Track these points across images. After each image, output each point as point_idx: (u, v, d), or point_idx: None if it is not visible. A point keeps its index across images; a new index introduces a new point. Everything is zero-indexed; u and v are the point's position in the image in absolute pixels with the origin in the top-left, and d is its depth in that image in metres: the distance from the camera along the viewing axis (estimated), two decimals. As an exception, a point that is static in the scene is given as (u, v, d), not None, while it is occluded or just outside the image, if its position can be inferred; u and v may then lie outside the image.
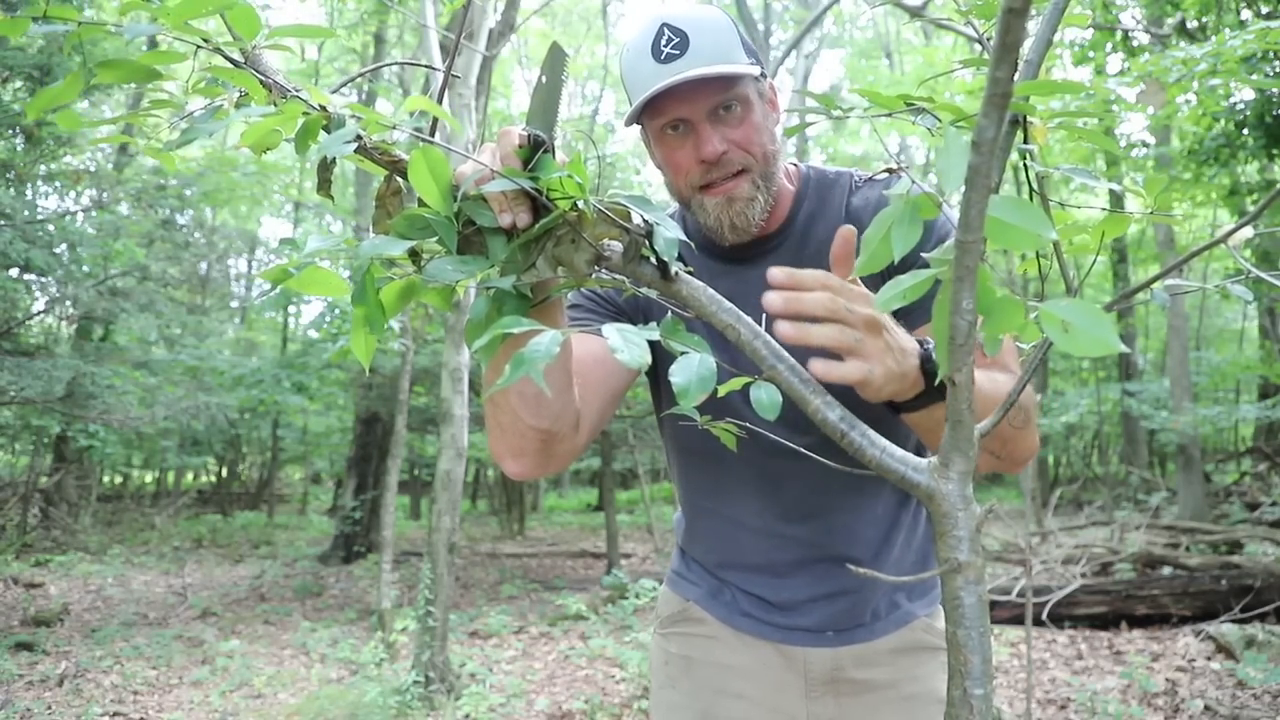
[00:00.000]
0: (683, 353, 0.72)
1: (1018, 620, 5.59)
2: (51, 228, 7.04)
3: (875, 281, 0.89)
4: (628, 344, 0.67)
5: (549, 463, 1.11)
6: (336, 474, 15.35)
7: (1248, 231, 0.80)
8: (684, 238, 0.81)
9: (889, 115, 0.72)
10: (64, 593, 8.02)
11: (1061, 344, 0.56)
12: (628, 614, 6.25)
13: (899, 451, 0.75)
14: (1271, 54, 5.02)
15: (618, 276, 0.82)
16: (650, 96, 1.10)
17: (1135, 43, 6.61)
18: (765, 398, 0.75)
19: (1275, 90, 5.28)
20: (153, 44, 3.52)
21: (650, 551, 10.18)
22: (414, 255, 0.81)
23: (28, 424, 9.77)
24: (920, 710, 1.28)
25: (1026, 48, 0.69)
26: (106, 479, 16.56)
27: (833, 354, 0.82)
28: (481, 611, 7.23)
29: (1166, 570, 6.28)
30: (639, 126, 1.21)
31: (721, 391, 0.72)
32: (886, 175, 1.24)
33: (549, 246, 0.81)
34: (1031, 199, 0.78)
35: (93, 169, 8.50)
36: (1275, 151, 5.87)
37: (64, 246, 7.25)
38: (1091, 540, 7.62)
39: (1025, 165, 0.76)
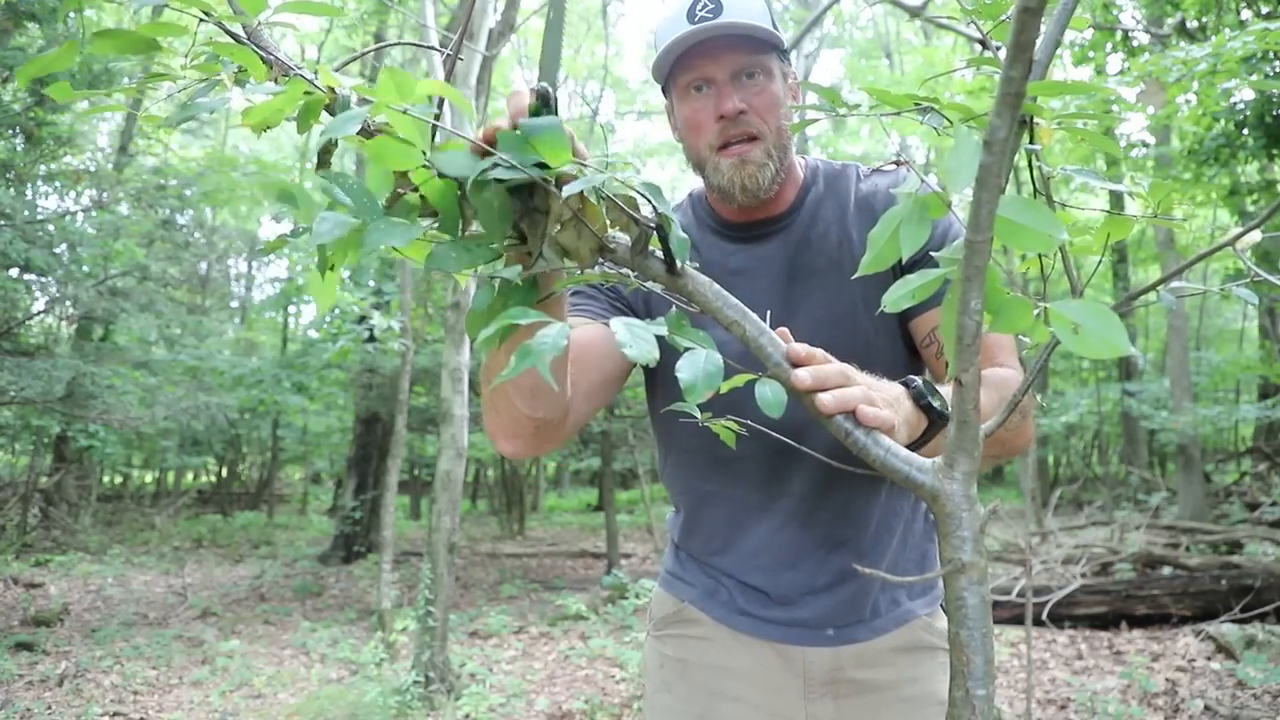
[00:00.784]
0: (688, 349, 0.71)
1: (1018, 620, 5.58)
2: (51, 228, 7.03)
3: (875, 281, 0.89)
4: (635, 339, 0.66)
5: (541, 445, 1.15)
6: (336, 474, 15.33)
7: (1255, 235, 0.80)
8: (684, 236, 0.80)
9: (897, 113, 0.72)
10: (64, 593, 8.01)
11: (1071, 345, 0.56)
12: (628, 614, 6.24)
13: (903, 451, 0.75)
14: (1271, 54, 5.02)
15: (623, 270, 0.81)
16: (681, 52, 1.18)
17: (1135, 43, 6.61)
18: (770, 395, 0.74)
19: (1275, 90, 5.28)
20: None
21: (650, 551, 10.18)
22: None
23: (28, 424, 9.75)
24: (920, 712, 1.27)
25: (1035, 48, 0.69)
26: (106, 479, 16.53)
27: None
28: (481, 611, 7.22)
29: (1166, 570, 6.27)
30: (664, 103, 1.30)
31: (725, 388, 0.71)
32: (894, 167, 1.25)
33: (553, 231, 0.76)
34: (1036, 199, 0.78)
35: (93, 169, 8.47)
36: (1275, 151, 5.86)
37: (64, 246, 7.25)
38: (1091, 540, 7.62)
39: (1031, 166, 0.75)
